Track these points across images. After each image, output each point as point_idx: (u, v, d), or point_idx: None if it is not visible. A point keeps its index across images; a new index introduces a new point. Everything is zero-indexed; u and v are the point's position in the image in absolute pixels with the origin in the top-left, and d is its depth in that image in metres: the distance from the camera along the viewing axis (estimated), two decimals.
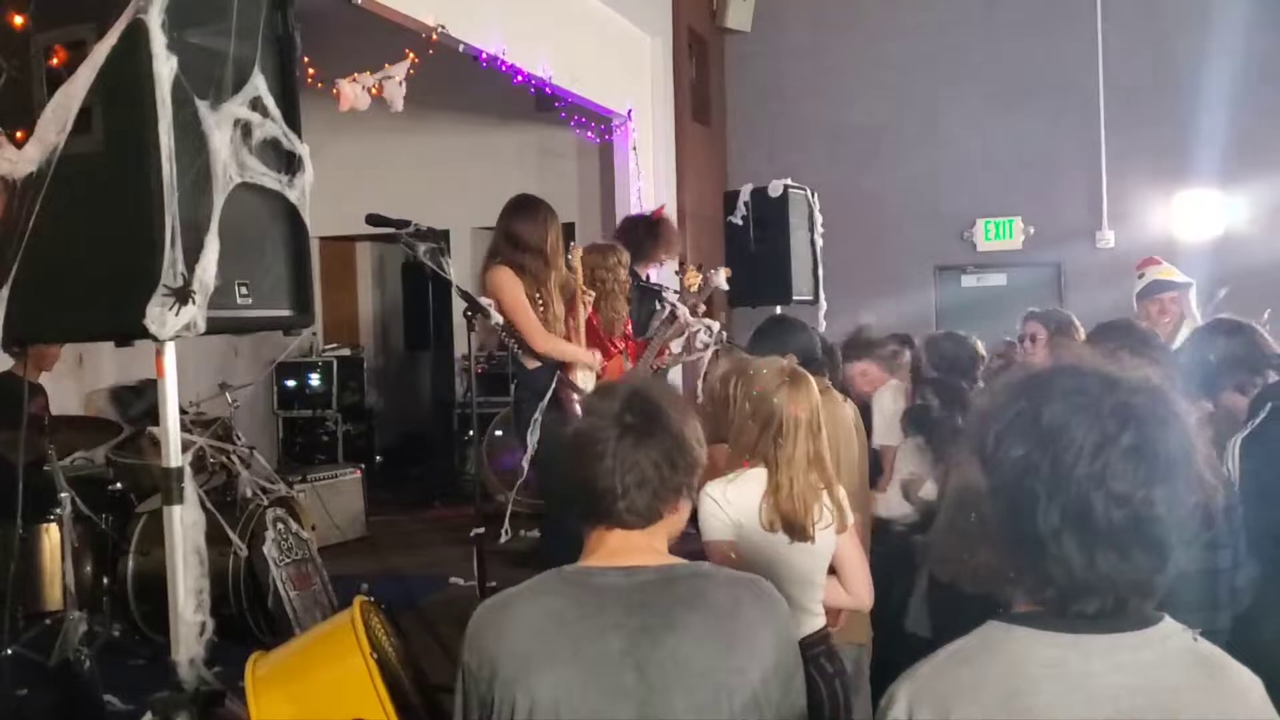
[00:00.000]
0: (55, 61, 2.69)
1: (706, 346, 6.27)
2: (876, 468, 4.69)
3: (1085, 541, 1.38)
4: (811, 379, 3.09)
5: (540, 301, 4.97)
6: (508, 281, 4.91)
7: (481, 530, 4.51)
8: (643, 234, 6.43)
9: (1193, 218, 9.65)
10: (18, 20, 2.72)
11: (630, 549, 2.02)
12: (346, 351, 10.39)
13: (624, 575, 1.98)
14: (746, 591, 2.02)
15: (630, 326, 5.91)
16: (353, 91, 3.87)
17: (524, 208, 5.23)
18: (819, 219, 8.28)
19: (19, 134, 2.73)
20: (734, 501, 2.94)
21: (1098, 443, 1.39)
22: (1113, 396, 1.42)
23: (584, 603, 1.94)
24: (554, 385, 4.88)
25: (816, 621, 3.05)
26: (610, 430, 1.98)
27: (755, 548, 2.92)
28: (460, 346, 9.47)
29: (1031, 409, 1.45)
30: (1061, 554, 1.39)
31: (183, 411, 6.62)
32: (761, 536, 2.92)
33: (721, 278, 6.71)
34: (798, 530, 2.91)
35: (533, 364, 4.94)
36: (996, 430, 1.48)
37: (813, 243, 8.22)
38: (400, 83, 4.12)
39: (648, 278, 6.44)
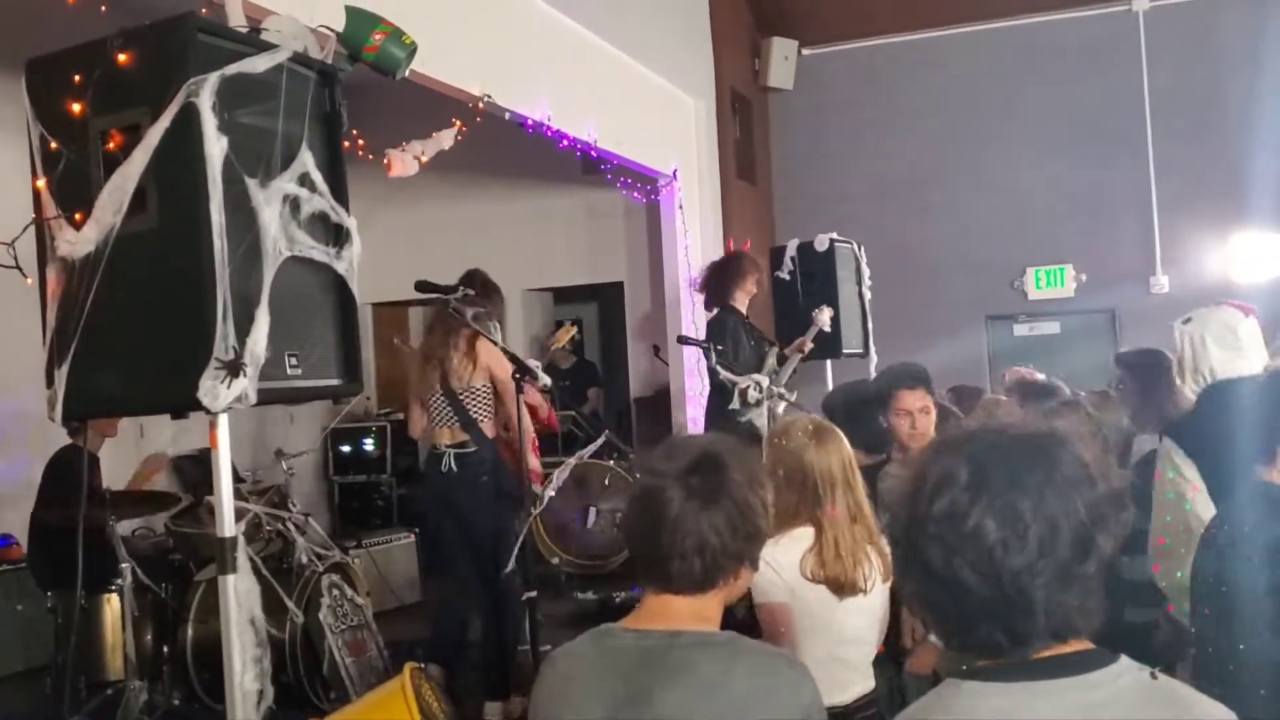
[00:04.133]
0: (112, 145, 2.78)
1: (758, 403, 6.25)
2: None
3: (934, 583, 1.40)
4: (839, 432, 3.07)
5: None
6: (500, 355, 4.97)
7: (534, 593, 4.51)
8: (725, 275, 6.77)
9: (1249, 260, 9.51)
10: (76, 107, 2.82)
11: (667, 612, 1.96)
12: (400, 416, 10.46)
13: (635, 638, 1.95)
14: (748, 663, 1.91)
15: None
16: (401, 160, 3.95)
17: (496, 289, 5.32)
18: (867, 272, 8.26)
19: (78, 216, 2.82)
20: (783, 562, 2.92)
21: (935, 486, 1.40)
22: (971, 443, 1.44)
23: (596, 665, 1.95)
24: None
25: (866, 684, 3.01)
26: (674, 491, 1.92)
27: (809, 607, 2.90)
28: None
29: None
30: (928, 597, 1.42)
31: (240, 480, 6.78)
32: (814, 596, 2.90)
33: (825, 317, 6.86)
34: (847, 587, 2.88)
35: (492, 433, 5.11)
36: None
37: (861, 296, 8.19)
38: (447, 147, 4.22)
39: (747, 316, 6.75)
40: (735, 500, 1.94)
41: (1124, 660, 1.43)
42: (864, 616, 2.98)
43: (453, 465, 5.11)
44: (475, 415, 5.08)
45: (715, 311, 6.85)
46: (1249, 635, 2.49)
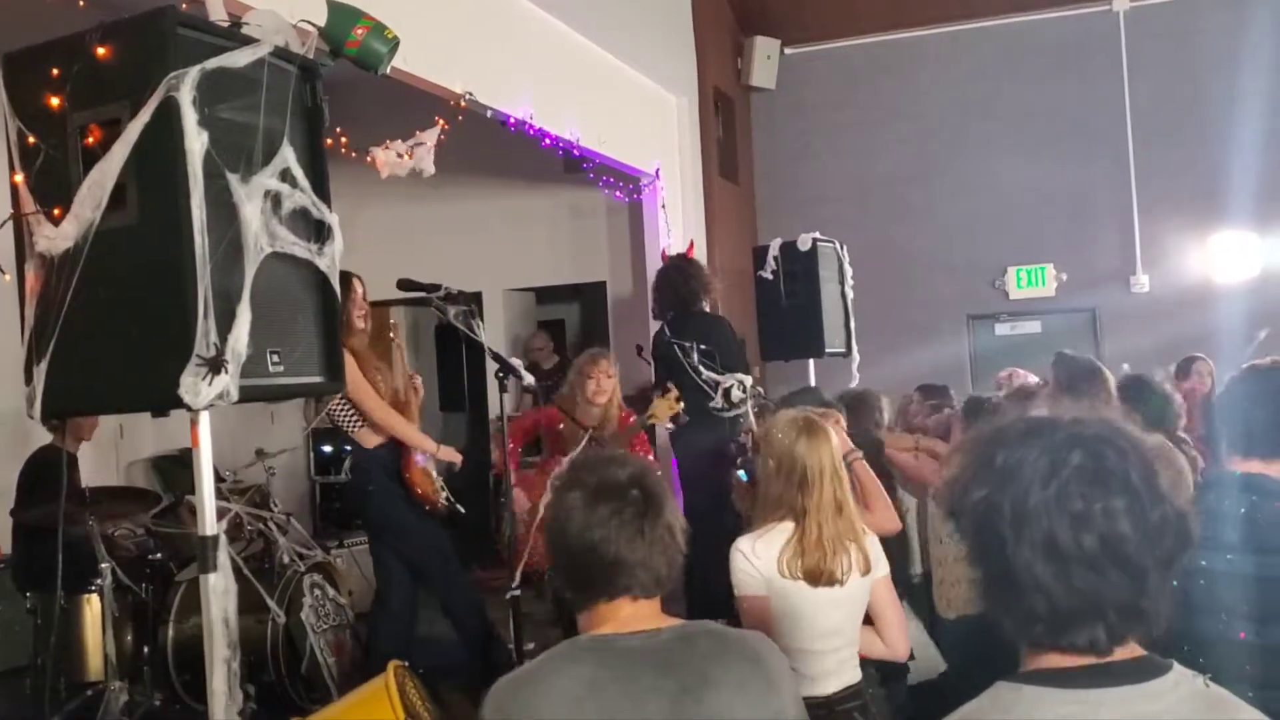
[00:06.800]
0: (91, 140, 2.76)
1: (742, 402, 6.24)
2: None
3: (1059, 567, 1.37)
4: (829, 427, 3.10)
5: (379, 377, 5.16)
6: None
7: (517, 592, 4.50)
8: (697, 280, 6.60)
9: (1229, 260, 9.58)
10: (54, 101, 2.79)
11: (642, 617, 2.01)
12: None
13: (646, 638, 1.96)
14: (759, 642, 2.07)
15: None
16: (388, 159, 3.91)
17: None
18: (849, 271, 8.28)
19: (57, 211, 2.80)
20: (762, 555, 2.94)
21: (1049, 469, 1.39)
22: (1060, 430, 1.44)
23: (614, 668, 1.91)
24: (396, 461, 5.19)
25: (851, 675, 3.02)
26: (629, 504, 1.99)
27: (786, 600, 2.91)
28: (494, 407, 9.48)
29: (987, 455, 1.46)
30: (1038, 585, 1.38)
31: (221, 480, 6.73)
32: (793, 588, 2.91)
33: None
34: (824, 576, 2.90)
35: (373, 441, 5.14)
36: (960, 483, 1.49)
37: (844, 295, 8.21)
38: (430, 149, 4.18)
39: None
40: (670, 504, 2.06)
41: (1177, 668, 1.42)
42: (842, 609, 3.00)
43: (347, 472, 5.31)
44: (348, 430, 5.18)
45: (696, 314, 6.75)
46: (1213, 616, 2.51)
